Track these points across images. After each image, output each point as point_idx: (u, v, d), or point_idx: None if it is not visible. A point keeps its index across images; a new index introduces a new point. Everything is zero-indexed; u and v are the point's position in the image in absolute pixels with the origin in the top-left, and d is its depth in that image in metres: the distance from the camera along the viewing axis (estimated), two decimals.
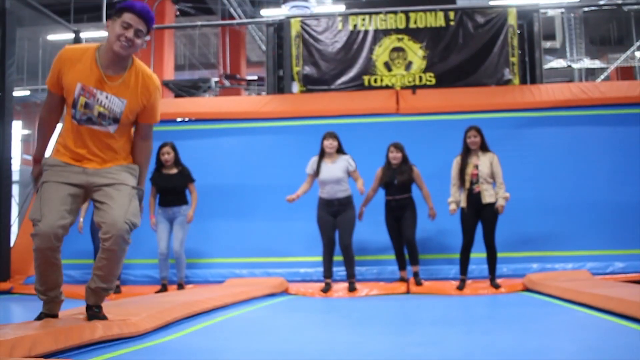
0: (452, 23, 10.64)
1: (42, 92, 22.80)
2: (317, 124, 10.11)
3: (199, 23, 13.65)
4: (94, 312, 3.49)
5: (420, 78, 10.55)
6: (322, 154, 7.37)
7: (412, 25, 10.70)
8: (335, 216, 7.20)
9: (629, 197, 8.65)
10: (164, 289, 7.49)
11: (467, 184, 7.16)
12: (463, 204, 7.17)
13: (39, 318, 3.46)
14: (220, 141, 10.26)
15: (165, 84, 15.54)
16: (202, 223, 9.00)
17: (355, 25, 10.81)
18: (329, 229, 7.21)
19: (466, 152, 7.30)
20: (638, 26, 18.31)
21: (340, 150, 7.40)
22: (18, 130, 26.80)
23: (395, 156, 7.68)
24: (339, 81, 10.73)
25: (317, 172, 7.30)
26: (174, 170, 7.66)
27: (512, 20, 10.59)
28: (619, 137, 9.41)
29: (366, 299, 6.85)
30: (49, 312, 3.53)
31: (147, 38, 3.56)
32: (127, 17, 3.41)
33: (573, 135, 9.57)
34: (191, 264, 8.43)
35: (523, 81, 10.59)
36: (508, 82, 10.48)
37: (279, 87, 11.09)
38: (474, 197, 7.11)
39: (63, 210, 3.32)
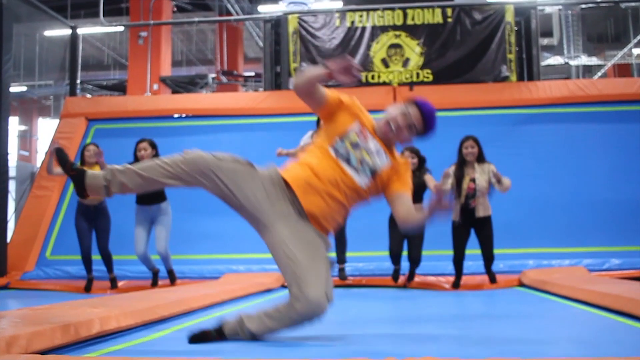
0: (449, 20, 10.64)
1: (38, 88, 22.79)
2: (314, 121, 10.10)
3: (196, 19, 13.66)
4: None
5: (418, 75, 10.55)
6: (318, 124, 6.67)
7: (409, 21, 10.69)
8: None
9: (625, 194, 8.66)
10: (155, 277, 7.56)
11: (462, 199, 6.79)
12: (455, 217, 6.84)
13: None
14: (217, 137, 10.25)
15: (162, 80, 15.53)
16: (199, 219, 9.01)
17: (352, 22, 10.81)
18: None
19: (461, 164, 6.90)
20: (635, 23, 18.31)
21: None
22: (14, 126, 26.77)
23: (411, 162, 6.97)
24: None
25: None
26: None
27: (509, 17, 10.59)
28: (616, 134, 9.43)
29: (359, 291, 6.84)
30: None
31: (416, 138, 3.30)
32: (412, 109, 3.20)
33: (570, 132, 9.58)
34: (187, 259, 8.43)
35: (520, 78, 10.60)
36: (505, 79, 10.49)
37: (276, 83, 11.09)
38: (468, 212, 6.82)
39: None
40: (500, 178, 6.58)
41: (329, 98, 3.26)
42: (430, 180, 6.91)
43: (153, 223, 7.28)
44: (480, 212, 6.76)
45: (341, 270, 6.89)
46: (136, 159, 7.12)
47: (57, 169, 7.03)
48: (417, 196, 6.74)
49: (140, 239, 7.17)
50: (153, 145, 7.22)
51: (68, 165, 3.02)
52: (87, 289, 7.49)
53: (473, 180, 6.76)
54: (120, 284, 7.78)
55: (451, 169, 6.78)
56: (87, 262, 7.49)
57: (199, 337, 2.97)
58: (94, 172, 3.01)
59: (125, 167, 2.97)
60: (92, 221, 7.43)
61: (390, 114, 3.19)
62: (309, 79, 3.14)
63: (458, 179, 6.79)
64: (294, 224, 2.85)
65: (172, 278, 7.60)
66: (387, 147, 3.14)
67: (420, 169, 7.08)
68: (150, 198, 7.17)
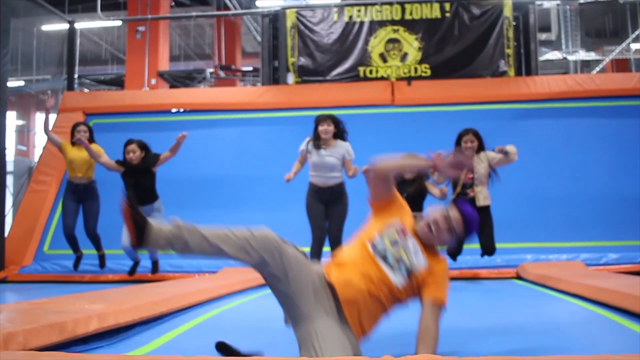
0: (447, 15, 10.63)
1: (36, 83, 22.73)
2: (312, 115, 10.06)
3: (194, 14, 13.65)
4: None
5: (416, 69, 10.54)
6: (317, 138, 6.53)
7: (407, 16, 10.68)
8: (326, 205, 6.52)
9: (623, 189, 8.68)
10: (135, 265, 7.58)
11: (459, 188, 6.52)
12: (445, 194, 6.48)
13: None
14: (215, 132, 10.25)
15: (160, 75, 15.49)
16: (197, 213, 8.98)
17: (350, 17, 10.79)
18: (319, 218, 6.52)
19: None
20: (633, 18, 18.29)
21: (339, 136, 6.59)
22: (12, 121, 26.73)
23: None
24: (334, 72, 10.72)
25: (309, 153, 6.57)
26: (140, 164, 7.08)
27: (507, 12, 10.58)
28: (614, 129, 9.44)
29: None
30: None
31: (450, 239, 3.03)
32: (454, 213, 2.99)
33: (568, 127, 9.59)
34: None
35: (518, 73, 10.60)
36: (503, 73, 10.48)
37: (274, 78, 11.08)
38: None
39: None
40: (504, 149, 6.38)
41: (393, 192, 3.11)
42: (431, 187, 6.53)
43: None
44: (480, 201, 6.51)
45: None
46: (125, 161, 7.02)
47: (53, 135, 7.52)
48: (417, 204, 6.43)
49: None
50: (142, 147, 7.03)
51: (135, 210, 2.79)
52: (75, 266, 7.56)
53: (471, 170, 6.50)
54: (118, 277, 7.78)
55: None
56: (70, 239, 7.46)
57: (225, 348, 2.86)
58: (160, 226, 2.75)
59: (193, 227, 2.76)
60: (80, 201, 7.49)
61: (432, 216, 3.03)
62: (403, 167, 3.08)
63: None
64: (332, 322, 2.74)
65: (155, 269, 7.60)
66: (426, 248, 2.99)
67: (418, 177, 6.59)
68: (141, 199, 6.97)
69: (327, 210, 6.52)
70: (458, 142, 6.61)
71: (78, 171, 7.49)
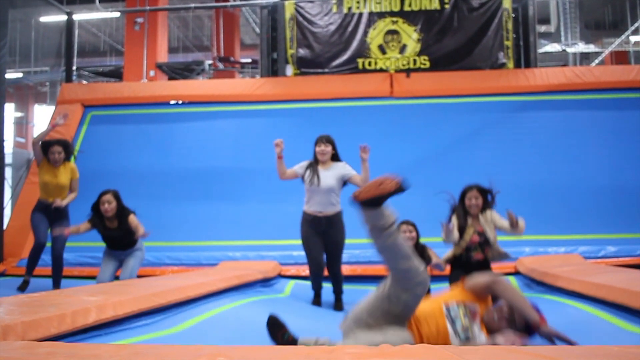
0: (446, 6, 10.60)
1: (34, 75, 22.70)
2: (311, 107, 10.12)
3: (193, 5, 13.59)
4: None
5: (415, 61, 10.52)
6: (315, 161, 6.15)
7: (406, 8, 10.65)
8: (323, 235, 6.01)
9: (622, 182, 8.68)
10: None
11: (461, 250, 5.80)
12: (445, 266, 5.88)
13: None
14: (213, 124, 10.24)
15: (159, 67, 15.45)
16: (196, 206, 9.01)
17: (349, 8, 10.77)
18: (316, 249, 6.03)
19: (464, 214, 5.88)
20: (633, 11, 18.27)
21: (335, 158, 6.16)
22: (10, 113, 26.70)
23: (411, 236, 5.87)
24: (333, 64, 10.70)
25: (304, 177, 6.11)
26: (115, 224, 6.37)
27: (507, 3, 10.56)
28: (613, 121, 9.44)
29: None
30: None
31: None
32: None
33: (567, 119, 9.59)
34: (184, 246, 8.45)
35: (517, 65, 10.59)
36: (502, 65, 10.46)
37: (273, 69, 11.06)
38: (471, 264, 5.74)
39: None
40: (514, 220, 5.65)
41: (488, 296, 3.44)
42: (434, 255, 5.87)
43: (123, 260, 6.55)
44: (496, 259, 5.88)
45: (337, 301, 6.08)
46: (98, 213, 6.36)
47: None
48: None
49: (106, 272, 6.39)
50: (117, 197, 6.38)
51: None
52: (22, 289, 6.75)
53: (478, 233, 5.78)
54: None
55: (453, 223, 5.82)
56: (36, 254, 6.85)
57: (275, 324, 3.14)
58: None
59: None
60: (50, 220, 6.91)
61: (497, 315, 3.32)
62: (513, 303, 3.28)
63: (460, 231, 5.82)
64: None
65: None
66: (487, 331, 3.27)
67: (418, 244, 5.93)
68: (125, 246, 6.44)
69: (325, 242, 6.03)
70: (462, 199, 5.93)
71: (50, 196, 6.89)
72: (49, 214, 6.89)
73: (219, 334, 3.55)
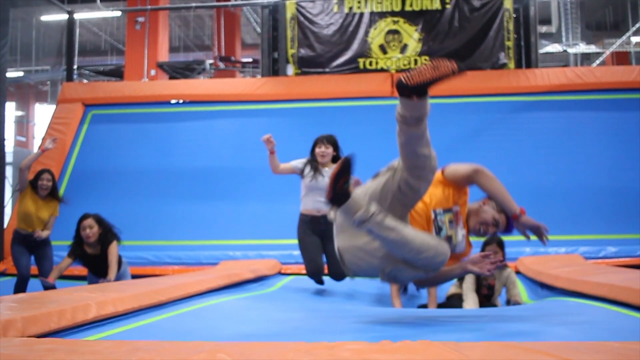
0: (448, 6, 10.61)
1: (35, 73, 22.69)
2: (311, 107, 10.12)
3: (194, 5, 13.60)
4: None
5: (416, 61, 10.53)
6: (314, 161, 5.89)
7: (407, 8, 10.66)
8: (321, 237, 5.77)
9: (622, 182, 8.67)
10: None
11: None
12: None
13: None
14: (214, 123, 10.24)
15: (160, 66, 15.46)
16: (196, 205, 9.01)
17: (350, 8, 10.77)
18: (313, 251, 5.77)
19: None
20: (634, 11, 18.27)
21: (336, 159, 5.74)
22: (11, 111, 26.72)
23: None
24: (334, 64, 10.71)
25: (303, 172, 5.91)
26: (97, 250, 5.89)
27: (508, 4, 10.56)
28: (614, 122, 9.44)
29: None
30: None
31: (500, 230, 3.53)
32: (502, 218, 3.46)
33: (568, 120, 9.58)
34: (184, 246, 8.45)
35: (518, 65, 10.59)
36: (503, 66, 10.47)
37: (274, 69, 11.07)
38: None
39: None
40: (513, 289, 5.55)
41: (466, 188, 3.47)
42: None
43: None
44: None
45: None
46: (78, 239, 5.91)
47: None
48: None
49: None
50: (100, 221, 5.90)
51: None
52: None
53: (488, 286, 5.51)
54: None
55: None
56: (20, 288, 6.46)
57: (347, 167, 2.85)
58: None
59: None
60: (31, 250, 6.68)
61: (484, 218, 3.43)
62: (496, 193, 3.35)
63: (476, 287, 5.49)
64: None
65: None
66: (468, 237, 3.39)
67: None
68: (103, 274, 5.86)
69: (324, 243, 5.76)
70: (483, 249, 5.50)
71: (30, 226, 6.62)
72: (29, 245, 6.62)
73: (198, 324, 3.56)
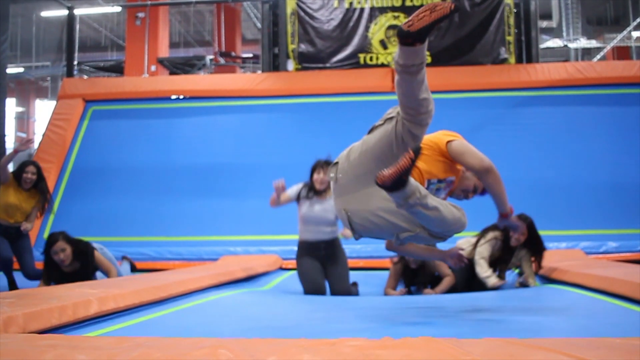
0: (448, 1, 10.57)
1: (35, 69, 22.68)
2: (312, 102, 10.12)
3: (194, 0, 13.57)
4: None
5: None
6: (312, 188, 5.51)
7: (408, 3, 10.65)
8: (322, 261, 5.52)
9: (623, 177, 8.67)
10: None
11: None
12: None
13: None
14: (214, 119, 10.24)
15: (160, 62, 15.46)
16: (197, 201, 9.01)
17: (351, 3, 10.75)
18: (314, 272, 5.48)
19: (505, 244, 5.53)
20: (635, 6, 18.24)
21: None
22: (11, 107, 26.70)
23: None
24: (335, 59, 10.69)
25: (298, 202, 5.58)
26: (76, 266, 5.47)
27: None
28: (615, 117, 9.43)
29: (356, 274, 6.84)
30: None
31: None
32: (480, 186, 3.61)
33: (568, 115, 9.58)
34: (184, 241, 8.45)
35: (519, 60, 10.58)
36: (504, 61, 10.46)
37: (275, 64, 11.06)
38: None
39: None
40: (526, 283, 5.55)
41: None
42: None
43: None
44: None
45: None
46: (51, 264, 5.45)
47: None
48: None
49: None
50: (70, 240, 5.44)
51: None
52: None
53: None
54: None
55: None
56: (7, 266, 6.40)
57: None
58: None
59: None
60: (10, 241, 6.51)
61: (466, 185, 3.59)
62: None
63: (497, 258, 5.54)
64: None
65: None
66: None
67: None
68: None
69: (325, 267, 5.53)
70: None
71: (11, 217, 6.48)
72: (9, 237, 6.52)
73: (198, 320, 3.56)
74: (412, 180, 2.89)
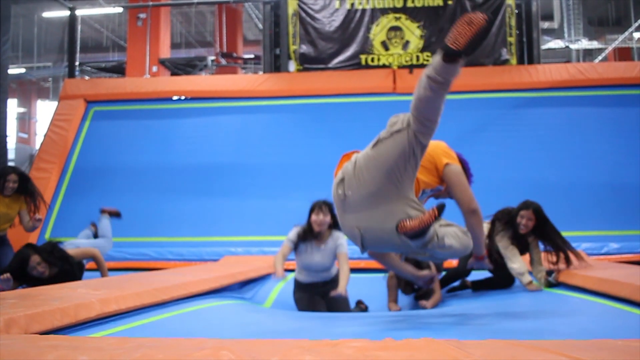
0: (450, 2, 10.59)
1: (37, 70, 22.69)
2: (313, 103, 10.12)
3: (195, 1, 13.57)
4: None
5: (418, 57, 10.51)
6: (309, 230, 5.28)
7: (409, 4, 10.64)
8: (322, 295, 5.30)
9: (624, 178, 8.66)
10: None
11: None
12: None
13: None
14: (216, 119, 10.24)
15: (162, 62, 15.46)
16: (198, 201, 9.01)
17: (352, 4, 10.75)
18: (313, 301, 5.27)
19: (515, 233, 5.45)
20: (636, 7, 18.23)
21: (331, 225, 5.25)
22: (13, 108, 26.72)
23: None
24: (336, 60, 10.69)
25: (296, 250, 5.35)
26: (54, 271, 5.25)
27: (510, 0, 10.54)
28: (616, 118, 9.42)
29: (357, 276, 6.83)
30: None
31: None
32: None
33: (570, 116, 9.57)
34: (187, 242, 8.45)
35: (520, 61, 10.58)
36: (505, 62, 10.45)
37: (276, 65, 11.06)
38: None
39: None
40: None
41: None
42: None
43: None
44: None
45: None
46: (26, 276, 5.17)
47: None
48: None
49: None
50: (39, 250, 5.24)
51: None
52: None
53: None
54: (120, 265, 7.80)
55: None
56: None
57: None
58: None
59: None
60: None
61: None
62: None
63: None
64: None
65: None
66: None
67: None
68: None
69: (325, 300, 5.28)
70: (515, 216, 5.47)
71: None
72: None
73: (200, 324, 3.56)
74: (435, 228, 3.01)
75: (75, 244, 6.01)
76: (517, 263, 5.22)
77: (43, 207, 6.63)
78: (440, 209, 2.80)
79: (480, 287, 5.71)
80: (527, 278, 5.16)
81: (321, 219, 5.13)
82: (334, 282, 5.20)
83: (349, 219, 3.21)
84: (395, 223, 2.95)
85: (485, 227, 5.39)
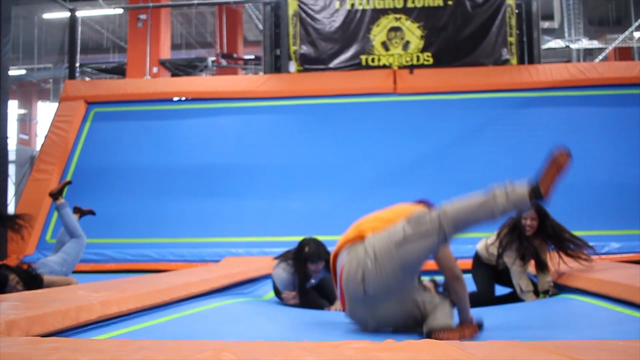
0: (450, 2, 10.58)
1: (37, 72, 22.70)
2: (314, 103, 10.12)
3: (196, 2, 13.57)
4: None
5: (418, 58, 10.50)
6: (305, 276, 4.98)
7: (409, 4, 10.64)
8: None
9: (625, 178, 8.66)
10: None
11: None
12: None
13: None
14: (216, 120, 10.24)
15: (162, 63, 15.47)
16: (199, 202, 9.01)
17: (352, 5, 10.75)
18: (308, 294, 5.08)
19: (520, 237, 5.35)
20: (636, 7, 18.22)
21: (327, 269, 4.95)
22: (13, 109, 26.74)
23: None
24: (337, 60, 10.69)
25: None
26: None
27: (510, 0, 10.54)
28: (616, 118, 9.42)
29: None
30: None
31: None
32: None
33: (570, 116, 9.57)
34: (188, 243, 8.45)
35: (521, 61, 10.57)
36: (506, 62, 10.45)
37: (276, 66, 11.06)
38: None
39: None
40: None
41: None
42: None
43: None
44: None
45: None
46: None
47: None
48: None
49: None
50: (14, 270, 4.91)
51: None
52: None
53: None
54: (121, 266, 7.81)
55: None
56: None
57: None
58: None
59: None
60: None
61: None
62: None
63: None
64: None
65: None
66: None
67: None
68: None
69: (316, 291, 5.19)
70: (519, 217, 5.38)
71: None
72: None
73: (202, 326, 3.56)
74: None
75: (49, 267, 5.76)
76: (523, 281, 5.16)
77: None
78: (480, 326, 3.00)
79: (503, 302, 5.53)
80: (531, 298, 5.04)
81: (319, 267, 4.91)
82: (323, 280, 5.17)
83: (363, 311, 3.25)
84: (405, 308, 3.15)
85: (493, 237, 5.48)
